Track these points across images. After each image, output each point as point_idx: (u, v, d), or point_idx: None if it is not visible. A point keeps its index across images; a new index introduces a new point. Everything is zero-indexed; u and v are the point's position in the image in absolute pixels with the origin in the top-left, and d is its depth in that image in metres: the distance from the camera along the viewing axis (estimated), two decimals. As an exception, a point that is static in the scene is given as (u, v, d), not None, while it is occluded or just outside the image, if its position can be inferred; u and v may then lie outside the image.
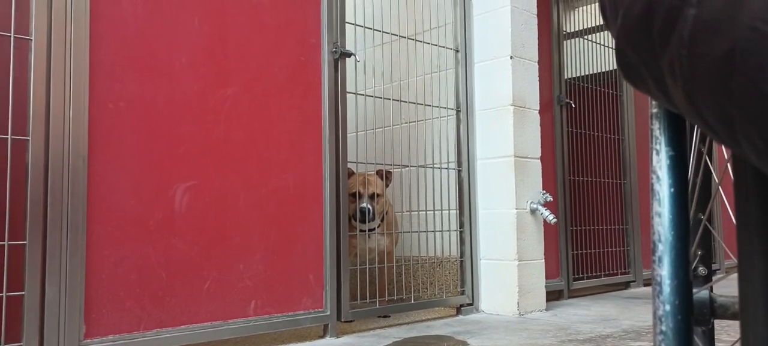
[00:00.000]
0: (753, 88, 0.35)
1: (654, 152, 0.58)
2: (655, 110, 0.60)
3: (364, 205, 3.01)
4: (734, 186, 0.49)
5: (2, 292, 1.83)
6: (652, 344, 2.29)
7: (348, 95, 2.77)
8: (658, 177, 0.56)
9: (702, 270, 0.89)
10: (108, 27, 2.08)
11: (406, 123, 3.43)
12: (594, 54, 4.24)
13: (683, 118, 0.60)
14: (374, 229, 3.12)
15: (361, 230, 3.06)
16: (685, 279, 0.54)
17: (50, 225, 1.91)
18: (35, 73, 1.91)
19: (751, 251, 0.45)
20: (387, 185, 3.20)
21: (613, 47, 0.55)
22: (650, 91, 0.51)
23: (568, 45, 4.05)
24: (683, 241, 0.54)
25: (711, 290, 0.79)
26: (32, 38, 1.91)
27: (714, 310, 0.73)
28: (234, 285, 2.31)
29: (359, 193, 3.05)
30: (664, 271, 0.53)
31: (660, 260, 0.54)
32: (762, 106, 0.35)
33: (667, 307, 0.53)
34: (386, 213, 3.19)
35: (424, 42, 3.31)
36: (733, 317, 0.71)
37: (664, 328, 0.53)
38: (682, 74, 0.42)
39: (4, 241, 1.85)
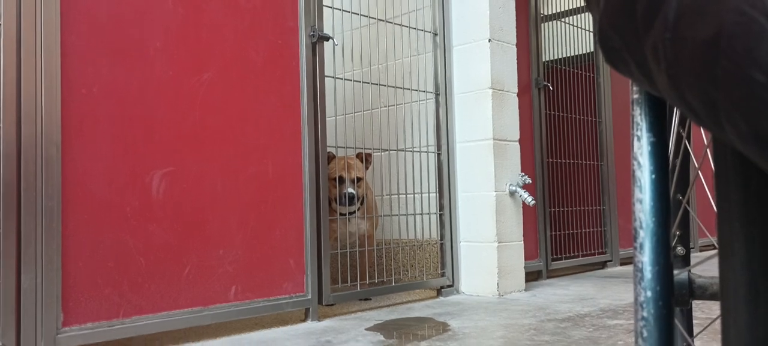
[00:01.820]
0: (739, 73, 0.35)
1: (635, 138, 0.58)
2: (636, 96, 0.60)
3: (348, 189, 3.01)
4: (715, 170, 0.49)
5: (-24, 282, 1.80)
6: (628, 321, 2.34)
7: (326, 79, 2.74)
8: (639, 163, 0.56)
9: (680, 250, 0.91)
10: (79, 10, 2.03)
11: (386, 107, 3.42)
12: (571, 36, 4.26)
13: (664, 103, 0.60)
14: (354, 212, 3.12)
15: (341, 214, 3.06)
16: (666, 265, 0.54)
17: (24, 212, 1.87)
18: (5, 57, 1.86)
19: (732, 235, 0.45)
20: (367, 169, 3.19)
21: (595, 30, 0.54)
22: (632, 74, 0.51)
23: (546, 27, 4.06)
24: (664, 227, 0.55)
25: (690, 271, 0.80)
26: (1, 22, 1.86)
27: (693, 291, 0.74)
28: (214, 271, 2.29)
29: (342, 177, 3.04)
30: (646, 257, 0.54)
31: (641, 246, 0.55)
32: (747, 91, 0.34)
33: (649, 293, 0.54)
34: (365, 197, 3.19)
35: (402, 25, 3.30)
36: (711, 297, 0.72)
37: (645, 314, 0.54)
38: (666, 58, 0.42)
39: (-24, 230, 1.82)
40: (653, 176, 0.56)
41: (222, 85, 2.36)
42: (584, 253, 4.15)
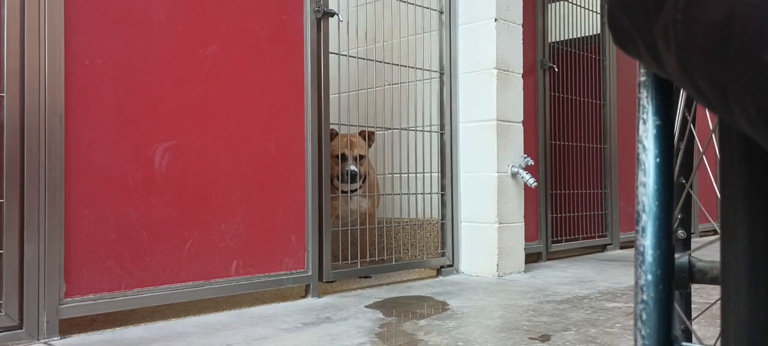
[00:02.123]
0: (750, 56, 0.34)
1: (641, 121, 0.58)
2: (643, 79, 0.60)
3: (350, 167, 3.01)
4: (719, 155, 0.49)
5: (-21, 251, 1.81)
6: (626, 303, 2.35)
7: (330, 56, 2.73)
8: (644, 147, 0.56)
9: (681, 234, 0.91)
10: (84, -19, 2.01)
11: (389, 85, 3.40)
12: (578, 18, 4.23)
13: (671, 87, 0.60)
14: (356, 190, 3.12)
15: (343, 192, 3.06)
16: (667, 249, 0.54)
17: (28, 183, 1.88)
18: (8, 27, 1.85)
19: (735, 220, 0.45)
20: (369, 146, 3.19)
21: (604, 11, 0.54)
22: (641, 56, 0.51)
23: (553, 8, 4.03)
24: (667, 211, 0.55)
25: (690, 255, 0.81)
26: (5, -9, 1.85)
27: (693, 275, 0.75)
28: (215, 245, 2.31)
29: (344, 155, 3.04)
30: (647, 241, 0.54)
31: (643, 229, 0.54)
32: (758, 74, 0.34)
33: (649, 276, 0.54)
34: (367, 175, 3.19)
35: (408, 2, 3.27)
36: (712, 281, 0.73)
37: (645, 297, 0.54)
38: (676, 40, 0.41)
39: (-21, 199, 1.82)
40: (658, 160, 0.56)
41: (226, 60, 2.35)
42: (584, 236, 4.16)
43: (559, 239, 3.95)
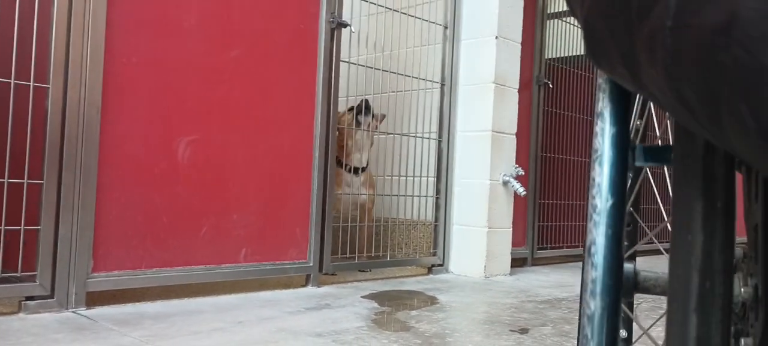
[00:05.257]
0: (751, 61, 0.32)
1: (597, 125, 0.60)
2: (600, 81, 0.61)
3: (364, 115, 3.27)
4: (673, 173, 0.51)
5: (21, 225, 2.01)
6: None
7: (341, 63, 2.93)
8: (599, 152, 0.59)
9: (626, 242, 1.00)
10: (124, -14, 2.21)
11: (393, 92, 3.61)
12: (574, 36, 4.44)
13: (628, 93, 0.60)
14: (359, 170, 3.32)
15: (347, 170, 3.26)
16: (617, 256, 0.60)
17: (65, 167, 2.08)
18: (56, 28, 2.05)
19: (685, 237, 0.48)
20: (377, 125, 3.41)
21: (580, 22, 0.53)
22: (614, 69, 0.48)
23: (551, 24, 4.23)
24: (619, 217, 0.59)
25: (635, 264, 0.96)
26: (55, -7, 2.04)
27: (637, 284, 0.79)
28: (228, 233, 2.51)
29: (358, 107, 3.29)
30: (600, 239, 0.60)
31: (595, 229, 0.60)
32: (759, 80, 0.32)
33: (597, 282, 0.59)
34: (368, 164, 3.40)
35: (415, 16, 3.47)
36: (657, 292, 0.77)
37: (592, 302, 0.58)
38: (665, 48, 0.38)
39: (23, 179, 2.02)
40: (612, 164, 0.59)
41: (248, 63, 2.55)
42: (569, 244, 4.37)
43: (545, 246, 4.16)
